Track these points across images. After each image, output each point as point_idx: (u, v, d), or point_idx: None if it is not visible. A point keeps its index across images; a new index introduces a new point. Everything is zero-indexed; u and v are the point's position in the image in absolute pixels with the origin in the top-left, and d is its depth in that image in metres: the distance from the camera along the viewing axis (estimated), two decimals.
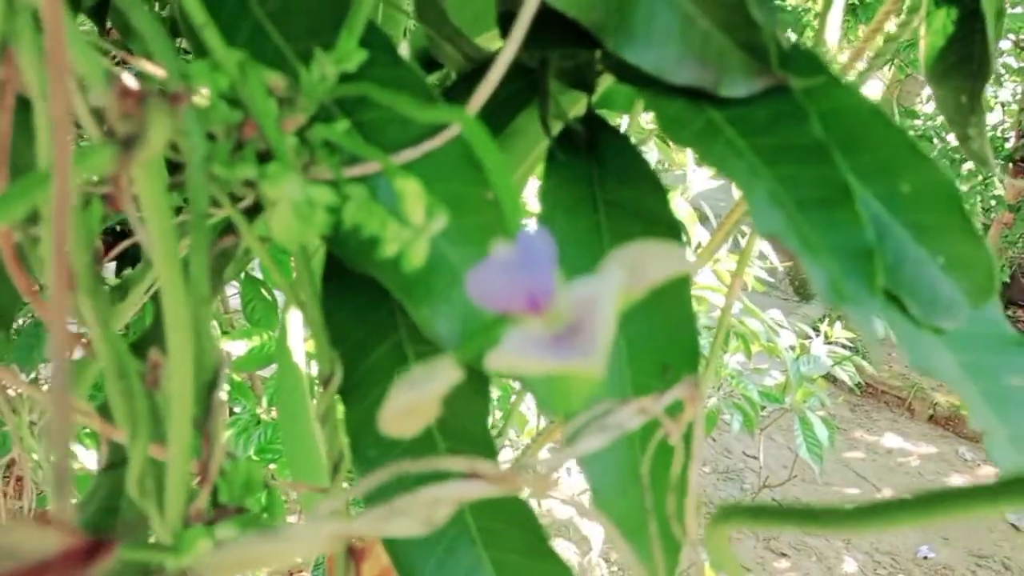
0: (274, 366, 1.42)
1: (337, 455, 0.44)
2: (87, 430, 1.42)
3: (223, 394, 0.35)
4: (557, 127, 0.46)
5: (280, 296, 1.36)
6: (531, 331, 0.20)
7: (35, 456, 1.09)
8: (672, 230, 0.45)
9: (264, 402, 1.41)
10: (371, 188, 0.38)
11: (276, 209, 0.30)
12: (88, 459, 1.35)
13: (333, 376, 0.41)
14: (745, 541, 3.13)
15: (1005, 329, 0.38)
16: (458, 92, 0.45)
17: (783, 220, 0.36)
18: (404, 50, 0.64)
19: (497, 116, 0.46)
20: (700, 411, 0.36)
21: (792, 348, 2.03)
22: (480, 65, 0.48)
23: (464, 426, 0.41)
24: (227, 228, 0.42)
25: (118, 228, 1.20)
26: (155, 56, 0.31)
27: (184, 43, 0.42)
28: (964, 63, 0.52)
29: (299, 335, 0.59)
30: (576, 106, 0.50)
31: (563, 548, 2.14)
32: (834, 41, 0.59)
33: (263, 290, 1.33)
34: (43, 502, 1.32)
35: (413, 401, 0.22)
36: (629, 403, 0.31)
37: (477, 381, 0.42)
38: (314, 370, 0.46)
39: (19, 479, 1.53)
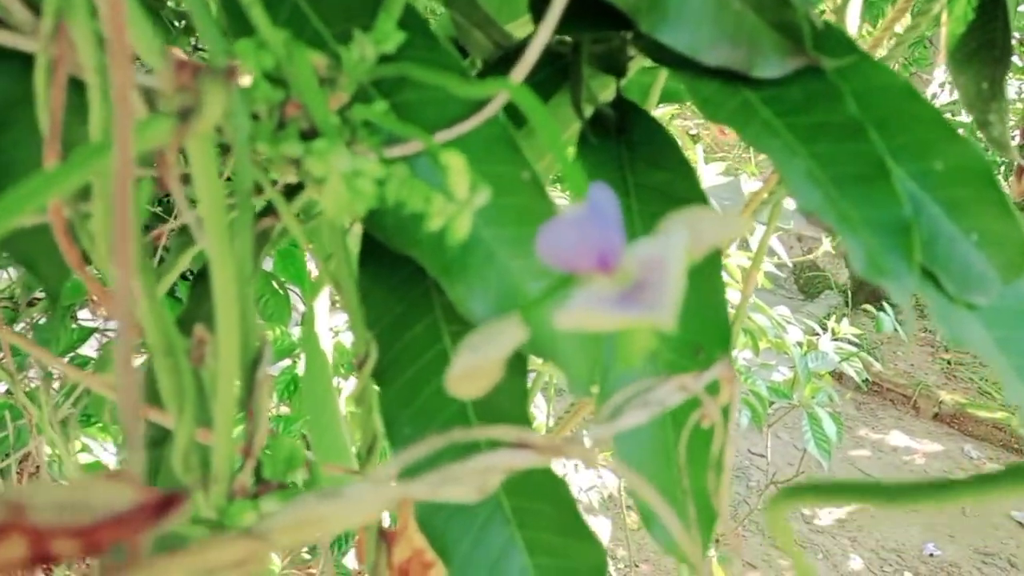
0: (286, 362, 1.43)
1: (371, 436, 0.44)
2: (99, 424, 1.43)
3: (267, 371, 0.36)
4: (588, 110, 0.46)
5: (292, 293, 1.36)
6: (599, 289, 0.20)
7: (52, 449, 1.09)
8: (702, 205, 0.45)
9: (275, 397, 1.42)
10: (410, 167, 0.38)
11: (327, 184, 0.30)
12: (100, 451, 1.35)
13: (368, 357, 0.42)
14: (751, 539, 3.13)
15: None
16: (490, 77, 0.46)
17: (821, 196, 0.36)
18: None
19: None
20: (736, 391, 0.37)
21: (800, 344, 2.03)
22: (508, 51, 0.48)
23: (501, 406, 0.41)
24: (264, 211, 0.43)
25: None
26: (202, 36, 0.32)
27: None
28: (985, 49, 0.53)
29: (325, 323, 0.59)
30: (606, 90, 0.50)
31: None
32: (855, 27, 0.59)
33: (275, 284, 1.33)
34: None
35: (478, 362, 0.22)
36: (670, 380, 0.32)
37: (515, 361, 0.42)
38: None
39: (32, 474, 1.54)
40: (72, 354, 1.50)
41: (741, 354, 1.98)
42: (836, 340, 2.17)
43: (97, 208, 0.31)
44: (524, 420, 0.42)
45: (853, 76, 0.39)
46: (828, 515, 3.34)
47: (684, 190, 0.45)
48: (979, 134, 0.58)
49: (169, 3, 0.97)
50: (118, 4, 0.25)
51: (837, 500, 0.30)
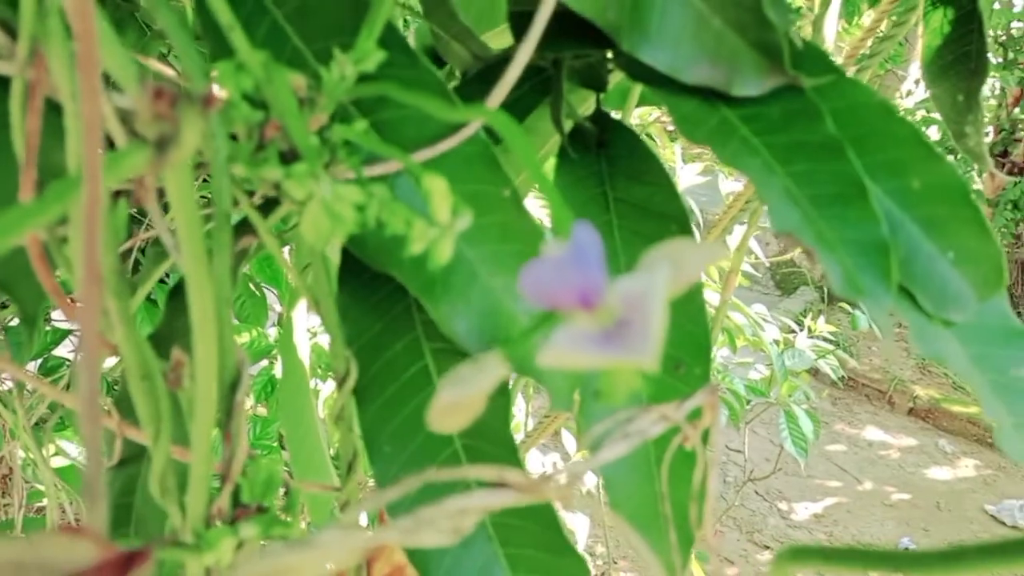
0: (263, 363, 1.42)
1: (351, 453, 0.44)
2: (74, 427, 1.41)
3: (244, 395, 0.35)
4: (568, 125, 0.46)
5: (270, 293, 1.35)
6: (581, 327, 0.20)
7: (26, 453, 1.08)
8: (683, 227, 0.45)
9: (251, 398, 1.41)
10: (391, 187, 0.38)
11: (306, 208, 0.30)
12: (76, 454, 1.34)
13: (349, 374, 0.41)
14: (729, 534, 3.15)
15: (1012, 322, 0.39)
16: (469, 91, 0.46)
17: (799, 216, 0.36)
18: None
19: (509, 115, 0.47)
20: (717, 417, 0.37)
21: (776, 342, 2.04)
22: (488, 64, 0.48)
23: (484, 422, 0.41)
24: (240, 224, 0.42)
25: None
26: (181, 56, 0.31)
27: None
28: (961, 62, 0.53)
29: (303, 332, 0.59)
30: (586, 104, 0.50)
31: None
32: (831, 40, 0.60)
33: (251, 286, 1.33)
34: (34, 497, 1.32)
35: (461, 398, 0.22)
36: (650, 410, 0.32)
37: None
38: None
39: (5, 477, 1.52)
40: (46, 355, 1.49)
41: (719, 352, 1.99)
42: (812, 337, 2.19)
43: (73, 235, 0.30)
44: (507, 436, 0.42)
45: (831, 94, 0.39)
46: (804, 510, 3.37)
47: (664, 204, 0.45)
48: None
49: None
50: (89, 32, 0.24)
51: (840, 565, 0.30)
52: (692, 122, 0.39)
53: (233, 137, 0.34)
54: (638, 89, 0.68)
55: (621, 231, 0.45)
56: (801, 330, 2.20)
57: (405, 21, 0.68)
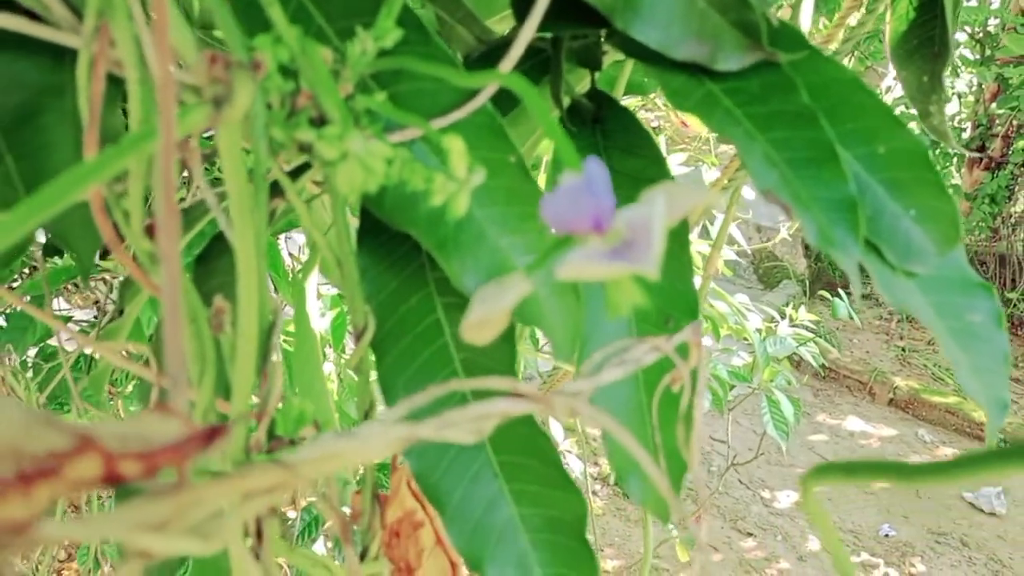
0: None
1: (368, 402, 0.48)
2: (68, 409, 1.44)
3: (279, 338, 0.39)
4: (566, 101, 0.50)
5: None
6: (594, 246, 0.24)
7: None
8: None
9: None
10: (409, 151, 0.42)
11: (340, 165, 0.34)
12: None
13: (367, 328, 0.45)
14: (713, 521, 3.20)
15: (968, 273, 0.43)
16: (475, 70, 0.49)
17: (777, 177, 0.40)
18: None
19: (510, 94, 0.51)
20: (702, 352, 0.41)
21: (759, 331, 2.09)
22: (491, 46, 0.52)
23: (491, 369, 0.45)
24: (272, 191, 0.46)
25: None
26: (224, 29, 0.35)
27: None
28: (925, 46, 0.57)
29: (315, 302, 0.62)
30: (582, 83, 0.54)
31: None
32: (807, 25, 0.64)
33: None
34: None
35: (488, 314, 0.26)
36: (643, 341, 0.36)
37: (505, 330, 0.46)
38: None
39: None
40: (42, 344, 1.51)
41: (703, 340, 2.03)
42: (794, 326, 2.24)
43: (133, 188, 0.34)
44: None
45: (806, 69, 0.43)
46: (787, 498, 3.42)
47: (655, 175, 0.49)
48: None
49: None
50: (163, 9, 0.28)
51: (865, 478, 0.33)
52: (681, 94, 0.43)
53: (269, 107, 0.38)
54: (625, 79, 0.72)
55: (617, 199, 0.49)
56: (783, 319, 2.24)
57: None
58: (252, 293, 0.36)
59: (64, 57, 0.39)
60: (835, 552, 0.33)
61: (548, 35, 0.50)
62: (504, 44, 0.52)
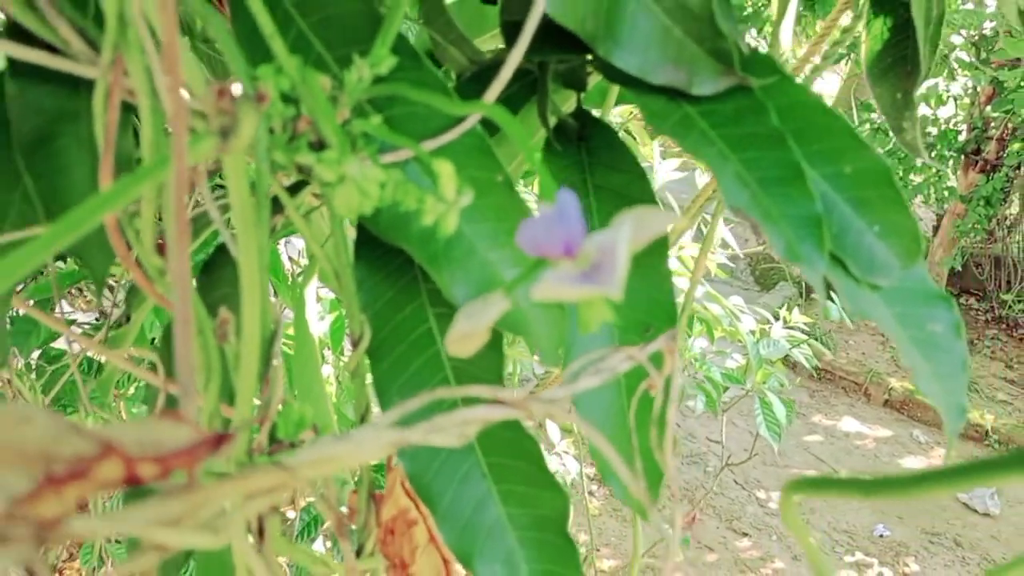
0: None
1: (364, 406, 0.50)
2: (74, 411, 1.46)
3: (280, 347, 0.42)
4: (552, 121, 0.53)
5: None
6: (565, 269, 0.26)
7: None
8: (652, 204, 0.52)
9: None
10: (402, 171, 0.45)
11: (338, 187, 0.36)
12: None
13: (363, 336, 0.48)
14: (708, 522, 3.23)
15: (929, 285, 0.46)
16: (466, 90, 0.52)
17: (747, 196, 0.43)
18: None
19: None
20: (677, 360, 0.43)
21: (752, 332, 2.12)
22: (482, 67, 0.54)
23: (479, 378, 0.47)
24: (272, 206, 0.49)
25: None
26: (230, 60, 0.38)
27: None
28: (899, 64, 0.60)
29: (314, 310, 0.65)
30: (568, 102, 0.57)
31: None
32: (788, 44, 0.66)
33: None
34: None
35: (471, 328, 0.28)
36: (619, 351, 0.38)
37: (493, 340, 0.49)
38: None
39: None
40: (45, 347, 1.54)
41: (696, 342, 2.06)
42: (788, 328, 2.26)
43: (145, 210, 0.36)
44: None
45: (776, 93, 0.45)
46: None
47: (638, 191, 0.52)
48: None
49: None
50: (173, 46, 0.31)
51: (836, 494, 0.36)
52: (659, 117, 0.46)
53: (271, 131, 0.41)
54: (616, 90, 0.75)
55: (599, 213, 0.52)
56: (777, 321, 2.27)
57: (409, 28, 0.74)
58: (255, 305, 0.38)
59: (79, 85, 0.41)
60: (813, 559, 0.35)
61: (537, 63, 0.52)
62: (494, 65, 0.55)
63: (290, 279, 1.33)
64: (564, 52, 0.48)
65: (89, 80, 0.38)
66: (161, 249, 0.39)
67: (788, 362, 4.07)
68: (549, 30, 0.46)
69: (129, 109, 0.40)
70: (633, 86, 0.46)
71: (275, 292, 1.20)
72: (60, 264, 1.26)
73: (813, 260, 0.42)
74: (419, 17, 0.63)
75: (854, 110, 6.25)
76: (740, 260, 5.55)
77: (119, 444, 0.24)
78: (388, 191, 0.39)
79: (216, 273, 0.53)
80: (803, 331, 2.27)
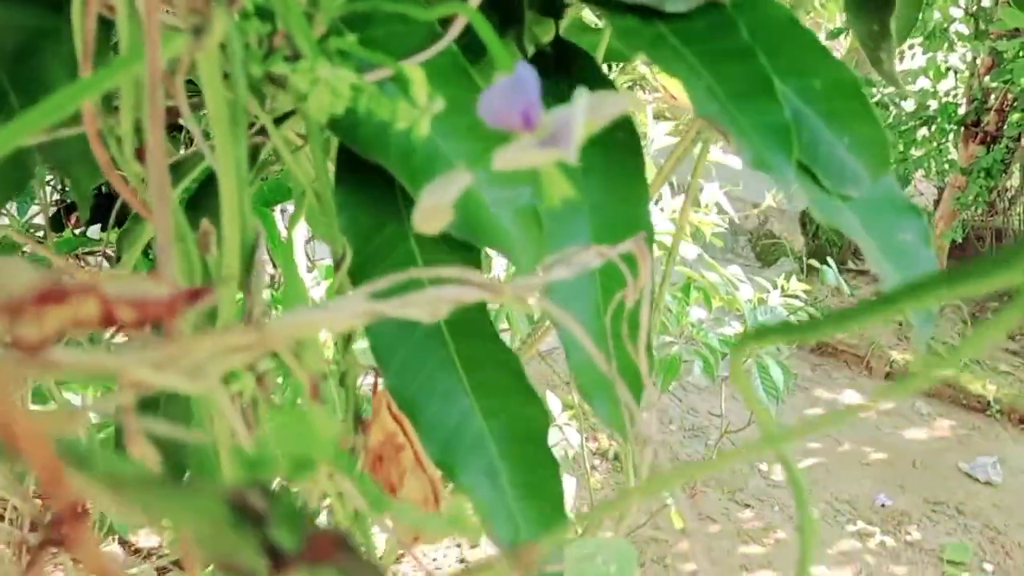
0: None
1: (348, 329, 0.51)
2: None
3: (262, 256, 0.43)
4: (531, 51, 0.54)
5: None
6: (525, 140, 0.27)
7: None
8: (629, 130, 0.53)
9: None
10: (379, 87, 0.45)
11: (314, 90, 0.37)
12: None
13: (344, 257, 0.49)
14: (710, 494, 3.25)
15: (899, 195, 0.47)
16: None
17: (718, 107, 0.44)
18: None
19: (479, 43, 0.54)
20: (648, 262, 0.44)
21: (750, 301, 2.13)
22: None
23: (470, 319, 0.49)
24: (256, 133, 0.50)
25: (104, 190, 1.26)
26: None
27: None
28: None
29: (301, 249, 0.66)
30: (548, 34, 0.57)
31: None
32: None
33: None
34: None
35: (435, 204, 0.29)
36: (590, 248, 0.39)
37: (472, 256, 0.50)
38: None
39: None
40: None
41: (695, 311, 2.07)
42: (786, 297, 2.27)
43: (124, 116, 0.37)
44: (490, 328, 0.49)
45: (747, 9, 0.46)
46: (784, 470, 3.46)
47: (623, 124, 0.53)
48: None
49: None
50: None
51: (788, 339, 0.37)
52: (632, 35, 0.46)
53: (248, 47, 0.42)
54: (604, 46, 0.75)
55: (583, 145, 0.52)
56: (775, 290, 2.28)
57: None
58: (234, 212, 0.39)
59: (60, 5, 0.42)
60: (760, 415, 0.36)
61: None
62: None
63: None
64: None
65: None
66: (141, 156, 0.40)
67: None
68: None
69: (109, 27, 0.41)
70: (606, 6, 0.47)
71: (270, 255, 1.21)
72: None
73: (782, 168, 0.43)
74: None
75: None
76: (741, 236, 5.55)
77: (100, 286, 0.24)
78: (363, 101, 0.40)
79: (201, 203, 0.54)
80: (802, 300, 2.28)
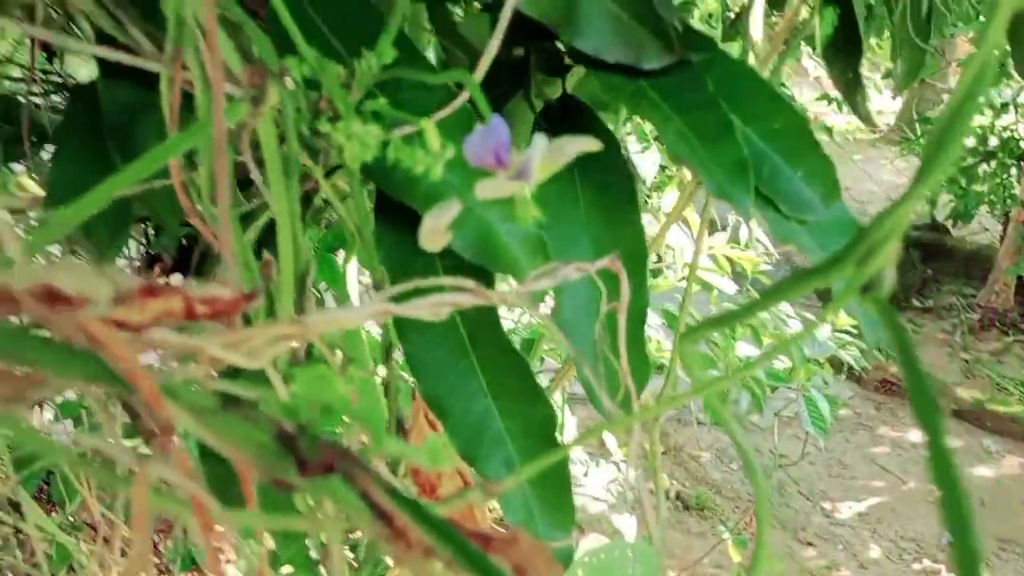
0: None
1: (388, 342, 0.60)
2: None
3: (312, 279, 0.52)
4: (539, 105, 0.63)
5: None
6: (500, 176, 0.36)
7: None
8: (626, 176, 0.61)
9: None
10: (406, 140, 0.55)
11: (348, 143, 0.47)
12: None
13: (384, 283, 0.58)
14: (773, 533, 3.25)
15: (847, 218, 0.55)
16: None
17: (687, 149, 0.52)
18: (431, 55, 0.82)
19: (497, 101, 0.64)
20: (623, 276, 0.52)
21: (796, 336, 2.17)
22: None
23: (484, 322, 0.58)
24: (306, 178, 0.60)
25: (185, 243, 1.39)
26: (259, 49, 0.49)
27: None
28: (847, 47, 0.69)
29: (355, 281, 0.76)
30: (556, 91, 0.67)
31: (597, 540, 2.28)
32: (759, 36, 0.76)
33: (316, 291, 1.50)
34: None
35: (434, 227, 0.38)
36: (570, 264, 0.48)
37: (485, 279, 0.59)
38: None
39: None
40: None
41: (741, 346, 2.12)
42: (837, 332, 2.31)
43: (202, 169, 0.47)
44: (501, 332, 0.58)
45: (713, 66, 0.55)
46: (848, 509, 3.45)
47: (612, 159, 0.61)
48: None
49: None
50: (214, 36, 0.42)
51: (726, 325, 0.46)
52: (617, 90, 0.55)
53: (299, 110, 0.51)
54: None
55: (581, 179, 0.61)
56: (825, 324, 2.32)
57: (429, 40, 0.85)
58: (288, 246, 0.49)
59: (153, 83, 0.53)
60: (707, 401, 0.44)
61: (523, 52, 0.62)
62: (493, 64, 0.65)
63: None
64: (539, 40, 0.58)
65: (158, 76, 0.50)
66: (214, 200, 0.50)
67: (853, 376, 4.07)
68: (525, 23, 0.56)
69: (190, 98, 0.51)
70: (594, 66, 0.56)
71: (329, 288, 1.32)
72: None
73: (741, 198, 0.51)
74: (433, 30, 0.74)
75: (916, 125, 6.23)
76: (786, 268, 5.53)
77: (183, 288, 0.33)
78: (391, 152, 0.50)
79: (269, 243, 0.64)
80: (851, 333, 2.31)
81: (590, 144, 0.40)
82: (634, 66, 0.55)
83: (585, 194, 0.61)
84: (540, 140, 0.37)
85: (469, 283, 0.41)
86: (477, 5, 0.75)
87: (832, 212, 0.55)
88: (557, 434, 0.57)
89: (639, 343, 0.57)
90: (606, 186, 0.61)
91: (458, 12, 0.73)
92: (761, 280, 2.11)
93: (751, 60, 0.75)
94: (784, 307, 2.25)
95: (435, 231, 0.39)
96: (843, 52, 0.69)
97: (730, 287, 1.88)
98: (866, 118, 0.70)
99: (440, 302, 0.40)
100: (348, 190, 0.71)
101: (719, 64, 0.55)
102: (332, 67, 0.50)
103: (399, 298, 0.41)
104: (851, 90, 0.69)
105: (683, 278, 1.77)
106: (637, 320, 0.57)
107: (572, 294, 0.60)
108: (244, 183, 0.72)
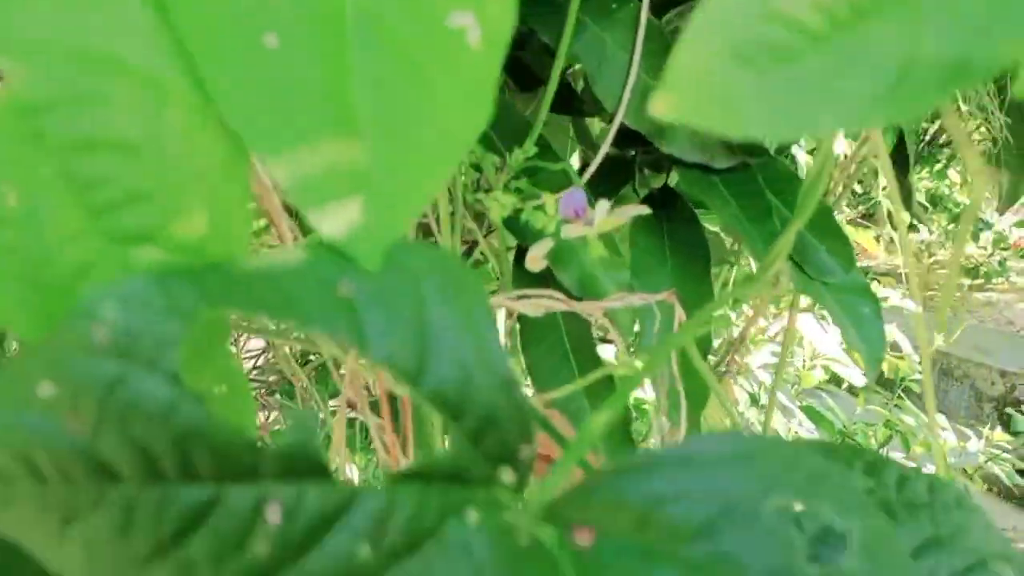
0: None
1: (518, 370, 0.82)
2: None
3: None
4: (642, 193, 0.84)
5: None
6: (576, 224, 0.58)
7: None
8: (704, 250, 0.81)
9: None
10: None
11: (493, 205, 0.69)
12: None
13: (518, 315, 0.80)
14: None
15: (862, 282, 0.72)
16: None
17: (738, 225, 0.72)
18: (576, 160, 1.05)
19: (611, 188, 0.85)
20: (677, 307, 0.72)
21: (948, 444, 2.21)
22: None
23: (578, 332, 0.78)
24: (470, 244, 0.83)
25: None
26: None
27: None
28: (901, 162, 0.86)
29: (500, 325, 0.98)
30: (659, 182, 0.88)
31: None
32: (839, 150, 0.94)
33: None
34: None
35: (535, 255, 0.60)
36: (634, 294, 0.68)
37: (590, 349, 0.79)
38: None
39: None
40: None
41: (888, 450, 2.18)
42: (991, 447, 2.33)
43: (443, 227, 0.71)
44: (592, 340, 0.78)
45: (765, 167, 0.75)
46: None
47: (696, 241, 0.82)
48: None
49: None
50: None
51: (681, 340, 0.64)
52: (694, 182, 0.76)
53: (466, 187, 0.75)
54: None
55: (674, 263, 0.82)
56: (979, 439, 2.34)
57: (574, 147, 1.08)
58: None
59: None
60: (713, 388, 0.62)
61: (632, 154, 0.84)
62: (613, 161, 0.87)
63: None
64: (645, 144, 0.80)
65: None
66: None
67: (1013, 498, 3.89)
68: (632, 132, 0.78)
69: None
70: (679, 164, 0.77)
71: None
72: None
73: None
74: (576, 138, 0.97)
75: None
76: (987, 403, 5.33)
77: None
78: (526, 214, 0.72)
79: None
80: (1006, 449, 2.32)
81: (641, 209, 0.61)
82: (708, 165, 0.75)
83: (672, 258, 0.81)
84: (603, 203, 0.58)
85: (558, 294, 0.62)
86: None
87: (849, 278, 0.72)
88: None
89: (697, 371, 0.76)
90: (689, 257, 0.81)
91: (594, 126, 0.96)
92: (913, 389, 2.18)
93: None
94: (940, 418, 2.30)
95: (535, 258, 0.60)
96: (895, 166, 0.86)
97: (859, 379, 1.97)
98: (919, 217, 0.87)
99: (536, 304, 0.62)
100: (497, 247, 0.95)
101: (768, 165, 0.75)
102: (490, 156, 0.73)
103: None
104: (906, 197, 0.86)
105: (813, 367, 1.89)
106: (698, 351, 0.76)
107: (650, 324, 0.79)
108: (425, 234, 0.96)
